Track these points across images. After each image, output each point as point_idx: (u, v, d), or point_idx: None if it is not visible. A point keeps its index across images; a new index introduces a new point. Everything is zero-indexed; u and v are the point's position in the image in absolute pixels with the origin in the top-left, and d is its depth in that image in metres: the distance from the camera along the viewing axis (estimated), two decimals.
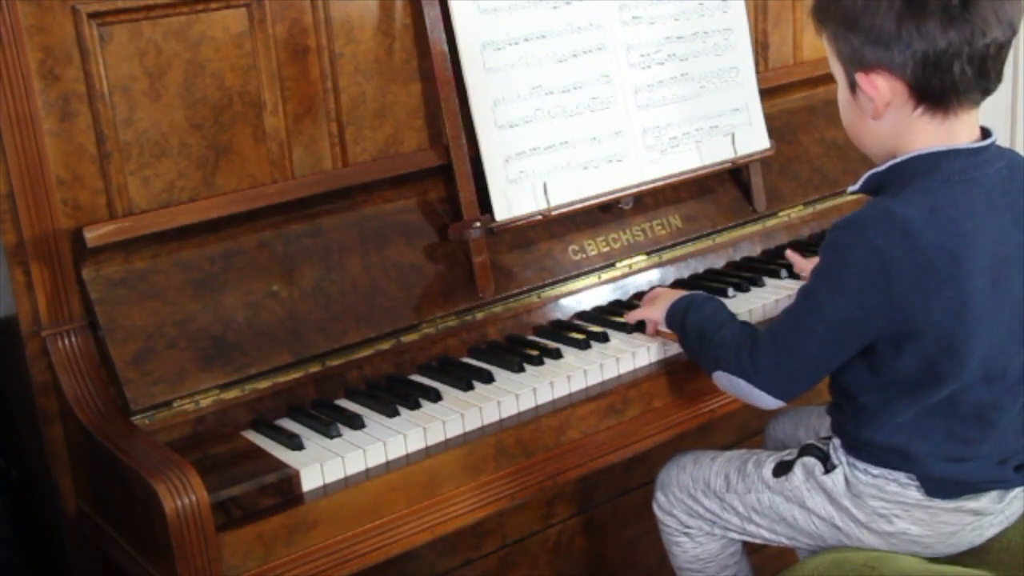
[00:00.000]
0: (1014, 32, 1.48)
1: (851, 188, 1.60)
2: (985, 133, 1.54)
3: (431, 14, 1.87)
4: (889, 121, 1.51)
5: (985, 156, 1.51)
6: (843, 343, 1.52)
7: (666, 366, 1.83)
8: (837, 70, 1.56)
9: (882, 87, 1.48)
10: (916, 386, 1.52)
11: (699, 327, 1.70)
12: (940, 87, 1.46)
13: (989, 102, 1.56)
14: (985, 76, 1.46)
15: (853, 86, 1.53)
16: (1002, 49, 1.47)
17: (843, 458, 1.63)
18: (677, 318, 1.76)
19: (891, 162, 1.52)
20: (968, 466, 1.55)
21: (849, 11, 1.48)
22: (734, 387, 1.62)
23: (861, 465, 1.61)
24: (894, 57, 1.45)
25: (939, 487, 1.56)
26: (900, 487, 1.58)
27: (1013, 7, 1.46)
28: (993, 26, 1.43)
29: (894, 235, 1.44)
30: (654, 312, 1.84)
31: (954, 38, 1.42)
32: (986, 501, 1.59)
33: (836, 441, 1.65)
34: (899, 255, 1.44)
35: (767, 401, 1.59)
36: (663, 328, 1.83)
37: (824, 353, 1.54)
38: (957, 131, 1.50)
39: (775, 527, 1.74)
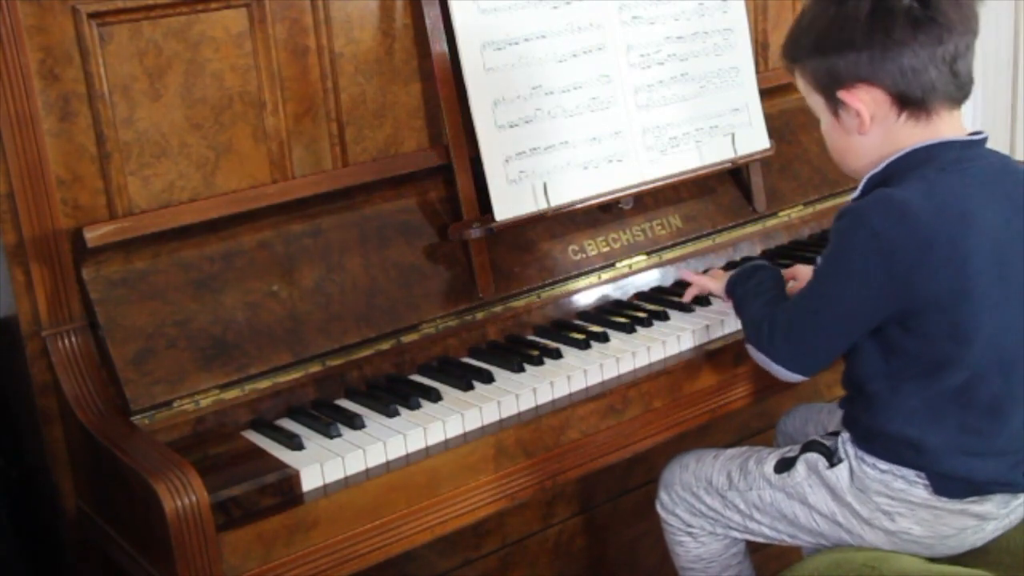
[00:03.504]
0: (975, 33, 1.54)
1: (852, 198, 1.63)
2: (974, 135, 1.59)
3: (431, 14, 1.87)
4: (876, 132, 1.57)
5: (978, 150, 1.57)
6: (852, 324, 1.57)
7: (666, 366, 1.83)
8: (816, 101, 1.62)
9: (865, 99, 1.54)
10: (925, 371, 1.55)
11: (740, 300, 1.79)
12: (920, 90, 1.52)
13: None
14: (957, 75, 1.53)
15: (835, 109, 1.58)
16: (968, 49, 1.53)
17: (851, 451, 1.64)
18: (731, 288, 1.84)
19: (887, 160, 1.57)
20: (980, 463, 1.56)
21: (822, 35, 1.55)
22: (760, 360, 1.69)
23: (870, 459, 1.62)
24: (873, 68, 1.52)
25: (948, 485, 1.57)
26: (907, 484, 1.58)
27: (970, 7, 1.53)
28: (956, 24, 1.50)
29: (892, 217, 1.49)
30: (713, 285, 1.93)
31: (924, 40, 1.49)
32: (991, 505, 1.59)
33: (845, 435, 1.67)
34: (898, 236, 1.49)
35: (788, 375, 1.66)
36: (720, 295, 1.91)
37: (834, 333, 1.59)
38: (941, 130, 1.56)
39: (776, 524, 1.74)
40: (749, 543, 1.89)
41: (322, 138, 1.86)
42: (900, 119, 1.55)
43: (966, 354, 1.53)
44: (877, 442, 1.61)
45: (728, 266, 2.19)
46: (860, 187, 1.61)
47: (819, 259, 1.63)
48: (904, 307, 1.52)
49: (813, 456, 1.69)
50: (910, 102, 1.53)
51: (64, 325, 1.65)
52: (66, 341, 1.65)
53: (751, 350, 1.71)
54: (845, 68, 1.54)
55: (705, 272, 2.08)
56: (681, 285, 2.10)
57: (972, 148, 1.57)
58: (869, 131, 1.56)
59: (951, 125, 1.56)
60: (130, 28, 1.67)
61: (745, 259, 2.21)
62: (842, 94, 1.55)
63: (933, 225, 1.49)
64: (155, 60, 1.69)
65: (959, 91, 1.55)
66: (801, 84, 1.64)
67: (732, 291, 1.82)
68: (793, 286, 1.94)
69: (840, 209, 1.57)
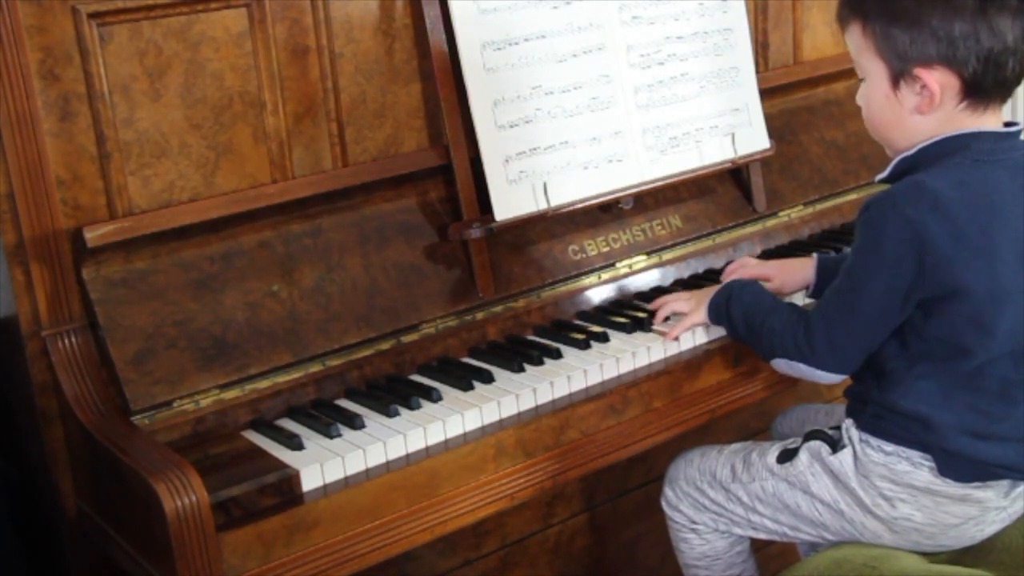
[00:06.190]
0: None
1: (879, 176, 1.63)
2: (1009, 125, 1.60)
3: (431, 14, 1.87)
4: (934, 115, 1.55)
5: (1012, 142, 1.57)
6: (888, 314, 1.56)
7: (666, 366, 1.83)
8: (873, 65, 1.58)
9: (941, 81, 1.52)
10: (943, 355, 1.56)
11: (745, 318, 1.75)
12: (993, 82, 1.52)
13: None
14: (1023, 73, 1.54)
15: (897, 80, 1.55)
16: None
17: (855, 436, 1.65)
18: (721, 312, 1.80)
19: (921, 145, 1.57)
20: (987, 445, 1.57)
21: (917, 9, 1.51)
22: (794, 370, 1.67)
23: (875, 442, 1.62)
24: (958, 53, 1.50)
25: (953, 465, 1.57)
26: (911, 466, 1.59)
27: None
28: None
29: (924, 206, 1.49)
30: (696, 317, 1.85)
31: (1019, 34, 1.49)
32: (992, 494, 1.60)
33: (848, 422, 1.68)
34: (931, 225, 1.49)
35: (828, 378, 1.65)
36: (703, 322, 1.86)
37: (872, 325, 1.58)
38: (988, 122, 1.56)
39: (778, 516, 1.75)
40: (752, 543, 1.89)
41: (322, 138, 1.86)
42: (959, 106, 1.54)
43: (985, 343, 1.54)
44: (886, 420, 1.61)
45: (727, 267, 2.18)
46: (891, 167, 1.60)
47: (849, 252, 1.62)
48: (931, 295, 1.53)
49: (816, 444, 1.70)
50: (977, 91, 1.52)
51: (64, 325, 1.65)
52: (66, 341, 1.65)
53: (781, 363, 1.68)
54: (933, 47, 1.50)
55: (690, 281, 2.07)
56: (680, 285, 2.10)
57: (1006, 140, 1.57)
58: (930, 113, 1.55)
59: (995, 117, 1.57)
60: (130, 28, 1.67)
61: None
62: (920, 71, 1.52)
63: (964, 216, 1.49)
64: (155, 60, 1.69)
65: (1017, 85, 1.56)
66: (858, 42, 1.59)
67: (726, 312, 1.78)
68: (771, 286, 1.93)
69: (866, 200, 1.57)
